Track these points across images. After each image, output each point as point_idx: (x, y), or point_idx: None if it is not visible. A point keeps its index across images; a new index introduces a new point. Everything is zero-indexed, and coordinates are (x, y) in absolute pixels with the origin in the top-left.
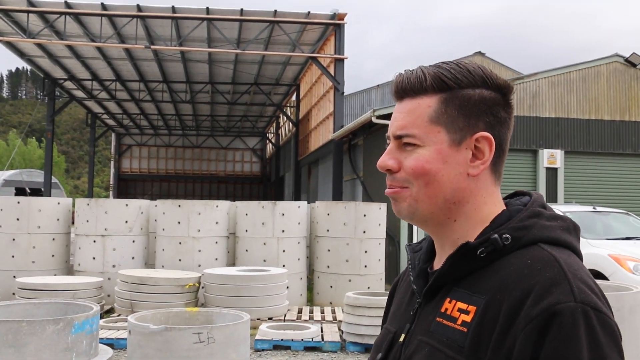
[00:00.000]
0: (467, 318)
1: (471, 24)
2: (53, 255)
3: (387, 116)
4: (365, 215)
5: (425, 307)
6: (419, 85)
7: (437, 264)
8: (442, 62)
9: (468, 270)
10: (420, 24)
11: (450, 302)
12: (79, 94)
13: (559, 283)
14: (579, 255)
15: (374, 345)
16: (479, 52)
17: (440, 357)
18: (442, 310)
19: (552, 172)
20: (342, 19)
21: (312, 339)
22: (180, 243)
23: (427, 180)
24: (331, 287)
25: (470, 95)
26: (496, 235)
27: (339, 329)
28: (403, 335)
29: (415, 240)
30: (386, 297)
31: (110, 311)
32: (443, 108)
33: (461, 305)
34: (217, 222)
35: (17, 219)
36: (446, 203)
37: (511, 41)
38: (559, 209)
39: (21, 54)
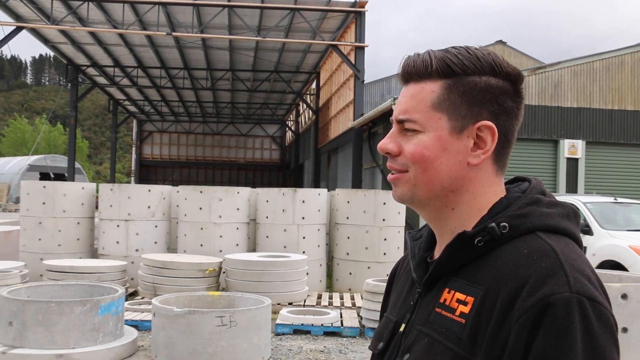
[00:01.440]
0: (465, 309)
1: (491, 11)
2: (78, 239)
3: None
4: (385, 204)
5: (425, 297)
6: (424, 70)
7: (437, 253)
8: (452, 47)
9: (466, 259)
10: (438, 12)
11: (449, 292)
12: (101, 80)
13: (554, 273)
14: (578, 242)
15: (375, 334)
16: (500, 40)
17: (439, 348)
18: (441, 300)
19: (572, 163)
20: (363, 7)
21: (332, 324)
22: (201, 228)
23: (425, 166)
24: (350, 273)
25: (475, 83)
26: (494, 224)
27: (358, 315)
28: (403, 325)
29: None
30: None
31: (133, 294)
32: (446, 94)
33: (459, 296)
34: (238, 209)
35: (43, 203)
36: (443, 190)
37: (532, 29)
38: (579, 199)
39: (45, 40)
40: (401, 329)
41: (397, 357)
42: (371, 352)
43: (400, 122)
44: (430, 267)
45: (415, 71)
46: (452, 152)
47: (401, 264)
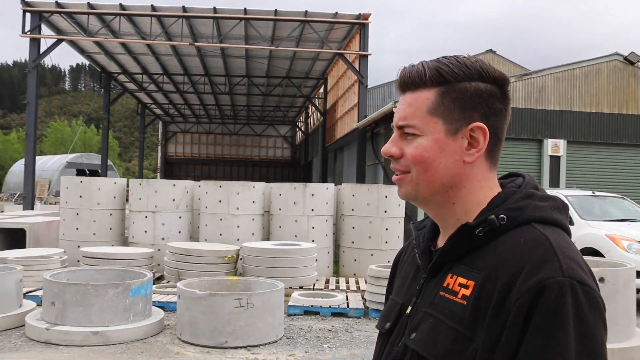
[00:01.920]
0: (467, 292)
1: (482, 22)
2: (111, 229)
3: None
4: (386, 197)
5: (429, 282)
6: (419, 79)
7: (441, 242)
8: (443, 57)
9: (468, 248)
10: (434, 23)
11: (451, 277)
12: (131, 86)
13: (548, 260)
14: (567, 232)
15: (382, 315)
16: (490, 49)
17: (443, 327)
18: (445, 285)
19: (555, 160)
20: (367, 19)
21: (339, 305)
22: (221, 219)
23: (426, 167)
24: (355, 260)
25: (466, 88)
26: (493, 216)
27: (363, 298)
28: (410, 308)
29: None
30: None
31: (160, 278)
32: (440, 100)
33: (461, 280)
34: (253, 201)
35: (80, 196)
36: (444, 187)
37: (520, 38)
38: (561, 193)
39: (82, 50)
40: (407, 311)
41: (403, 336)
42: (378, 331)
43: (401, 127)
44: (434, 255)
45: (411, 81)
46: (448, 152)
47: (404, 252)
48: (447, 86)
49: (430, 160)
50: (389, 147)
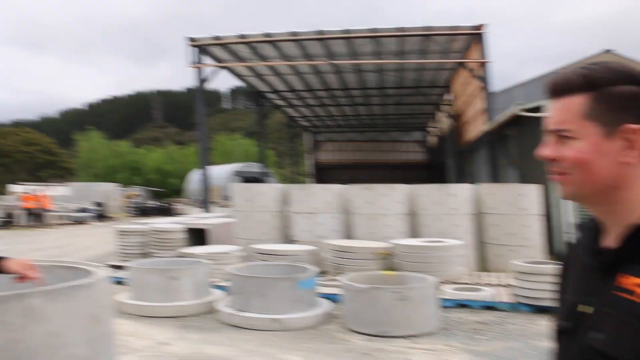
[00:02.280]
0: None
1: (592, 21)
2: (276, 228)
3: (534, 109)
4: (523, 195)
5: (601, 282)
6: (570, 86)
7: (608, 242)
8: (590, 64)
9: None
10: (543, 27)
11: (626, 277)
12: (280, 102)
13: None
14: None
15: (557, 313)
16: (608, 50)
17: (628, 327)
18: (619, 284)
19: None
20: (480, 29)
21: (489, 299)
22: (371, 219)
23: (585, 168)
24: (498, 255)
25: (616, 92)
26: None
27: (509, 292)
28: (584, 306)
29: (569, 218)
30: (549, 267)
31: (322, 273)
32: (592, 105)
33: (637, 280)
34: (399, 202)
35: (248, 200)
36: (604, 188)
37: (636, 34)
38: None
39: (236, 75)
40: (582, 310)
41: (581, 334)
42: (549, 327)
43: (556, 131)
44: (603, 255)
45: (562, 88)
46: (606, 154)
47: (572, 251)
48: (598, 91)
49: (589, 162)
50: (545, 151)
